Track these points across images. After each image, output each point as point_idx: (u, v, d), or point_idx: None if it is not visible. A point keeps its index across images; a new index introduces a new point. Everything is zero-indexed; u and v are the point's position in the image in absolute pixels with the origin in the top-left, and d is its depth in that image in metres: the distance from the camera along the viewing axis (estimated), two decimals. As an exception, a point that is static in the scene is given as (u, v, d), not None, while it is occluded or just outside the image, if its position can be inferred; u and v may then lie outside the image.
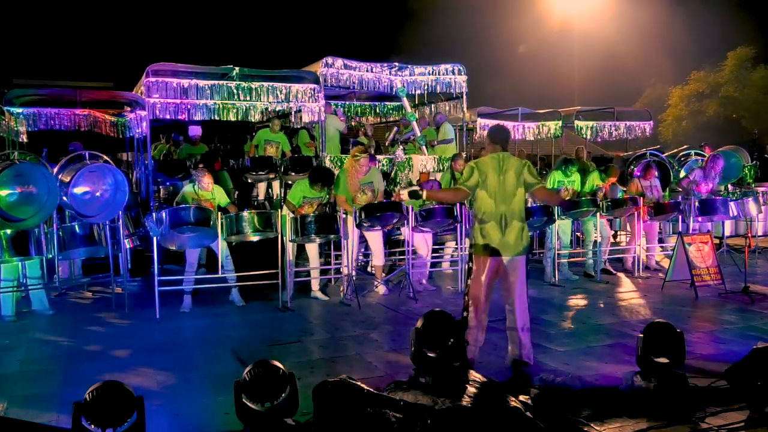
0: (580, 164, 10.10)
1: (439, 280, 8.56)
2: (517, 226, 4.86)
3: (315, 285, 7.61)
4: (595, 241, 8.90)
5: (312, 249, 7.53)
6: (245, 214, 6.91)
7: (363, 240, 7.84)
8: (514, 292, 4.89)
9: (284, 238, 7.02)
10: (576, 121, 11.88)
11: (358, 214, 7.22)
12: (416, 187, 5.13)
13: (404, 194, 5.09)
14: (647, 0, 27.88)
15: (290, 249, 7.19)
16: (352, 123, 12.69)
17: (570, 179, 8.70)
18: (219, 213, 6.81)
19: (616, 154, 14.80)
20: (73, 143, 9.61)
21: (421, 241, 8.08)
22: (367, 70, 9.58)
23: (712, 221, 9.53)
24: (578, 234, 10.13)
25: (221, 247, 6.98)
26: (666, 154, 12.27)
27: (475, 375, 3.89)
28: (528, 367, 4.82)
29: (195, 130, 10.51)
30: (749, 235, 9.27)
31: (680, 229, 8.93)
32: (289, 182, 9.14)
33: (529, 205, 8.81)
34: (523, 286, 4.90)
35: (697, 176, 9.43)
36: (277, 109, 10.01)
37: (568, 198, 8.55)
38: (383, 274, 7.85)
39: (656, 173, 9.31)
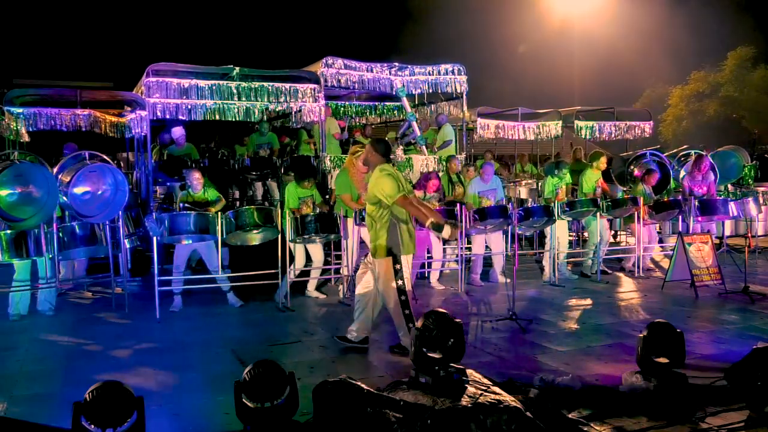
0: (578, 164, 10.08)
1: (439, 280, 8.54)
2: None
3: (312, 285, 7.62)
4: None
5: (315, 250, 7.52)
6: (245, 209, 6.93)
7: (363, 241, 7.83)
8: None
9: (284, 237, 7.02)
10: (576, 121, 11.87)
11: (358, 214, 7.23)
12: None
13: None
14: (647, 0, 27.89)
15: (293, 249, 7.18)
16: (353, 123, 12.68)
17: (565, 180, 8.81)
18: (219, 213, 6.81)
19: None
20: (68, 145, 9.61)
21: (422, 242, 8.06)
22: (367, 70, 9.58)
23: (713, 221, 9.52)
24: (578, 234, 10.13)
25: (218, 252, 6.95)
26: (666, 154, 12.25)
27: (475, 375, 3.89)
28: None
29: (177, 132, 10.23)
30: (749, 235, 9.25)
31: (680, 229, 8.92)
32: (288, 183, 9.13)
33: (529, 205, 8.82)
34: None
35: (686, 183, 9.40)
36: (277, 109, 10.01)
37: (565, 196, 8.58)
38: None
39: (657, 176, 9.27)
